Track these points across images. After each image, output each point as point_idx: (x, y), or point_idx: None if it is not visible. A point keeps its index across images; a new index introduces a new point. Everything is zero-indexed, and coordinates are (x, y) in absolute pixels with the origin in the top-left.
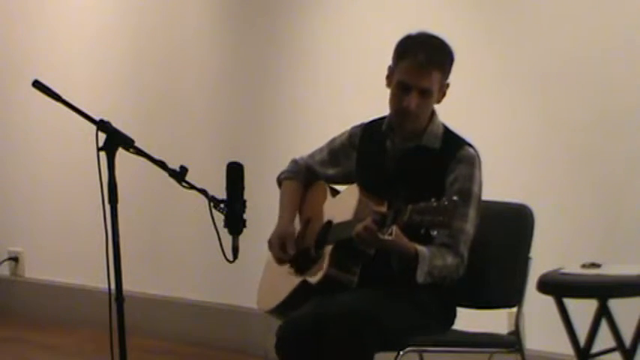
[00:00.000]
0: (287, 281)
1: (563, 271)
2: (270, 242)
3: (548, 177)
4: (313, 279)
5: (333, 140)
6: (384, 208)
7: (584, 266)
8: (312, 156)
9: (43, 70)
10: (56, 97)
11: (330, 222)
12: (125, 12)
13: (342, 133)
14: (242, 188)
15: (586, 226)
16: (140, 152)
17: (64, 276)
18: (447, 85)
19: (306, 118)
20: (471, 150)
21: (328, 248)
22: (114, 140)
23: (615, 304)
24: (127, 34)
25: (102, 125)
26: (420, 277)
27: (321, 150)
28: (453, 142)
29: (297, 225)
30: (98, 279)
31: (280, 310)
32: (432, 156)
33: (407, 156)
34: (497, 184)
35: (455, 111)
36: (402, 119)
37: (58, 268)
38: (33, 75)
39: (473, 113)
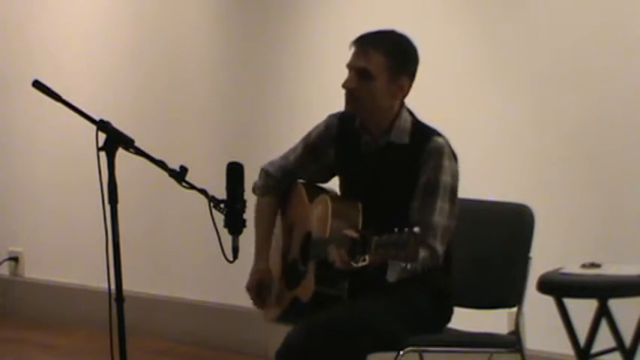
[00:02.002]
0: (280, 295)
1: (563, 271)
2: (248, 288)
3: (548, 177)
4: (304, 297)
5: (309, 135)
6: (352, 232)
7: (584, 266)
8: (285, 157)
9: (43, 70)
10: (56, 97)
11: (309, 233)
12: (124, 12)
13: (318, 125)
14: (242, 188)
15: (586, 226)
16: (140, 152)
17: (64, 276)
18: (406, 81)
19: (307, 118)
20: (439, 140)
21: (312, 265)
22: (114, 140)
23: (615, 304)
24: (127, 34)
25: (102, 125)
26: (391, 277)
27: (294, 149)
28: (421, 135)
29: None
30: (98, 279)
31: (280, 322)
32: (402, 152)
33: (379, 154)
34: (496, 184)
35: (453, 111)
36: (345, 101)
37: (58, 268)
38: (33, 74)
39: (472, 114)
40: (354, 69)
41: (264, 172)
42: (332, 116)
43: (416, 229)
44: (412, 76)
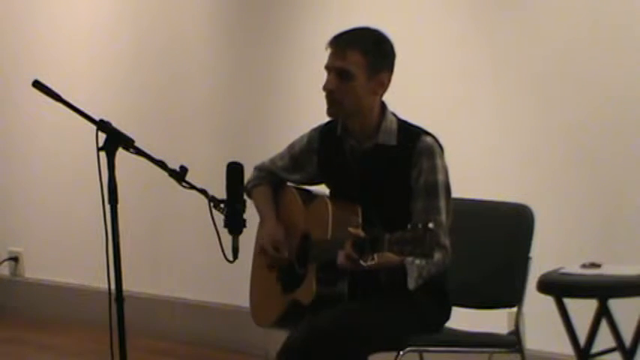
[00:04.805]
0: (277, 299)
1: (563, 271)
2: (262, 247)
3: (548, 177)
4: (305, 300)
5: (293, 146)
6: (360, 231)
7: (584, 266)
8: (273, 162)
9: (43, 70)
10: (56, 97)
11: (307, 235)
12: (125, 11)
13: (301, 138)
14: (242, 188)
15: (586, 226)
16: (140, 152)
17: (64, 276)
18: (386, 76)
19: (307, 118)
20: (428, 139)
21: (312, 267)
22: (114, 140)
23: (615, 304)
24: (127, 34)
25: (102, 125)
26: (411, 284)
27: (282, 157)
28: (408, 136)
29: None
30: (98, 279)
31: (276, 327)
32: (391, 154)
33: (366, 157)
34: (497, 184)
35: (454, 112)
36: (327, 104)
37: (58, 268)
38: (33, 74)
39: (472, 114)
40: (332, 70)
41: (257, 169)
42: (314, 130)
43: (430, 225)
44: (391, 70)
